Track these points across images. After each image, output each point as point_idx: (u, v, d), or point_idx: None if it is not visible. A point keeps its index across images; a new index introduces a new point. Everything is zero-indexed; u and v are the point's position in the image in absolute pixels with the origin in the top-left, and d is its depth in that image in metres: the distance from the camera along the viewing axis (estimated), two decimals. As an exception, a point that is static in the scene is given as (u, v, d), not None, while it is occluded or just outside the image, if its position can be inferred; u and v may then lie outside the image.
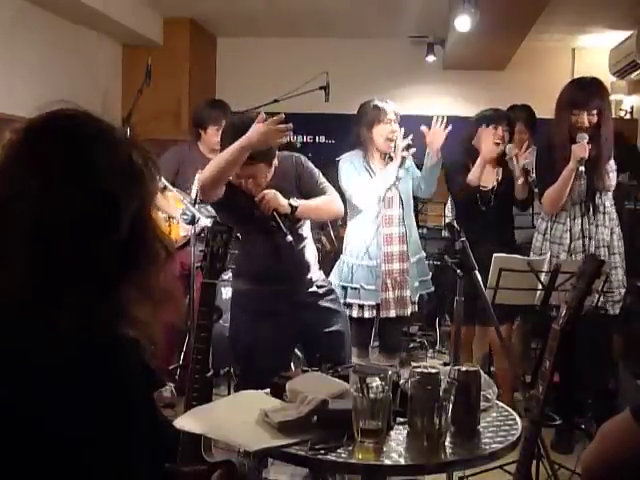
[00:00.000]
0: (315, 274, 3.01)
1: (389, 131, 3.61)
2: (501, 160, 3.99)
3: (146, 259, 1.08)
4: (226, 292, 4.58)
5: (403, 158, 3.62)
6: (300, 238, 2.94)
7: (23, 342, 1.00)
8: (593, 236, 3.59)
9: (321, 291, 2.99)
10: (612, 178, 3.64)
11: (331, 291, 3.07)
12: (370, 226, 3.62)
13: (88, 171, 1.03)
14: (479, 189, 3.94)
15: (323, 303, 2.97)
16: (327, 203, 2.94)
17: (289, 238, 2.79)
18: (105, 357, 1.03)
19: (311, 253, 3.02)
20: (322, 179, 2.97)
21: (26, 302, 1.00)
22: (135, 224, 1.06)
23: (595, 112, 3.53)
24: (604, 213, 3.63)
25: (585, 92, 3.55)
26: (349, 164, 3.63)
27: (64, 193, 1.01)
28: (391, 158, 3.65)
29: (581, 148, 3.47)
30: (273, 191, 2.79)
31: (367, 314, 3.60)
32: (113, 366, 1.04)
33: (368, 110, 3.67)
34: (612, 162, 3.64)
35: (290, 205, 2.79)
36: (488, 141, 3.90)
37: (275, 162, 2.83)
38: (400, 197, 3.69)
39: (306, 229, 3.00)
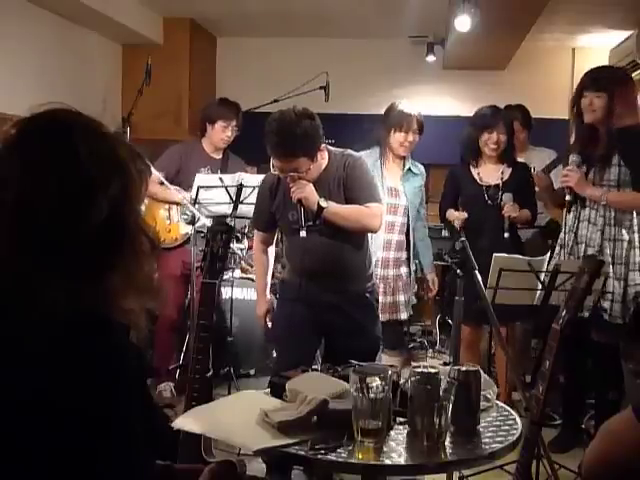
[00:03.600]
0: (356, 283, 2.95)
1: (406, 139, 3.71)
2: (503, 157, 3.98)
3: (129, 247, 1.11)
4: (226, 292, 4.60)
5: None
6: (338, 240, 2.87)
7: (8, 327, 1.01)
8: (575, 231, 3.46)
9: (359, 301, 2.96)
10: (611, 173, 3.36)
11: (370, 304, 3.03)
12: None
13: (66, 156, 1.07)
14: (483, 186, 3.96)
15: (356, 313, 2.93)
16: (359, 214, 2.84)
17: (302, 233, 2.75)
18: (94, 339, 1.04)
19: (357, 260, 2.96)
20: (369, 189, 2.90)
21: (10, 287, 1.02)
22: (116, 210, 1.08)
23: (602, 93, 3.35)
24: (592, 209, 3.40)
25: (594, 75, 3.45)
26: None
27: (42, 177, 1.04)
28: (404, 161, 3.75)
29: (567, 176, 3.36)
30: (308, 184, 2.76)
31: None
32: (102, 348, 1.05)
33: (394, 113, 3.74)
34: (616, 156, 3.36)
35: (318, 204, 2.75)
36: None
37: (325, 156, 2.82)
38: (406, 206, 3.74)
39: (357, 237, 2.95)
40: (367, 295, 2.99)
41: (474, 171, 4.01)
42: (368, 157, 3.62)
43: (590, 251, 3.36)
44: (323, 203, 2.75)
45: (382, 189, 3.59)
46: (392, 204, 3.70)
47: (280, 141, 2.69)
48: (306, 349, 2.94)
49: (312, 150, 2.73)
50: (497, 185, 3.94)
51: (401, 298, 3.73)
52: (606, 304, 3.35)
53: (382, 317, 3.59)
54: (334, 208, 2.79)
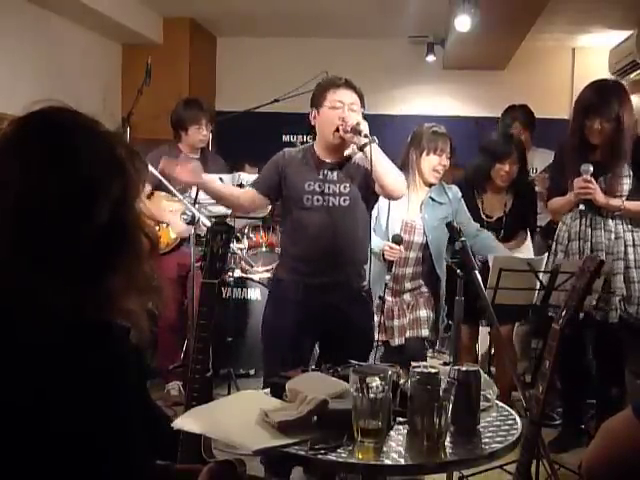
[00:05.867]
0: (354, 275, 2.96)
1: (440, 163, 3.44)
2: (509, 188, 3.95)
3: (130, 247, 1.10)
4: (226, 292, 4.60)
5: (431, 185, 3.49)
6: (348, 221, 2.90)
7: (9, 328, 1.01)
8: (589, 239, 3.43)
9: (355, 299, 2.96)
10: (624, 183, 3.41)
11: (367, 302, 3.03)
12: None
13: (67, 157, 1.06)
14: (485, 219, 3.92)
15: (352, 312, 2.93)
16: (395, 169, 2.91)
17: (375, 139, 2.79)
18: (94, 344, 1.04)
19: (360, 248, 2.97)
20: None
21: (10, 288, 1.02)
22: (117, 211, 1.07)
23: (612, 118, 3.32)
24: (608, 217, 3.42)
25: (602, 98, 3.35)
26: None
27: (42, 178, 1.03)
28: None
29: (587, 189, 3.32)
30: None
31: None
32: (102, 353, 1.04)
33: (427, 135, 3.45)
34: (626, 166, 3.41)
35: (372, 136, 2.82)
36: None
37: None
38: (422, 243, 3.46)
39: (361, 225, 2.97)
40: (363, 294, 3.00)
41: (478, 200, 3.95)
42: None
43: (610, 259, 3.35)
44: (373, 138, 2.81)
45: (397, 222, 3.43)
46: (405, 241, 3.37)
47: (349, 80, 2.95)
48: (300, 351, 2.92)
49: (363, 102, 2.96)
50: (500, 218, 3.92)
51: (422, 314, 3.46)
52: (632, 308, 3.38)
53: (392, 342, 3.44)
54: (379, 149, 2.84)
